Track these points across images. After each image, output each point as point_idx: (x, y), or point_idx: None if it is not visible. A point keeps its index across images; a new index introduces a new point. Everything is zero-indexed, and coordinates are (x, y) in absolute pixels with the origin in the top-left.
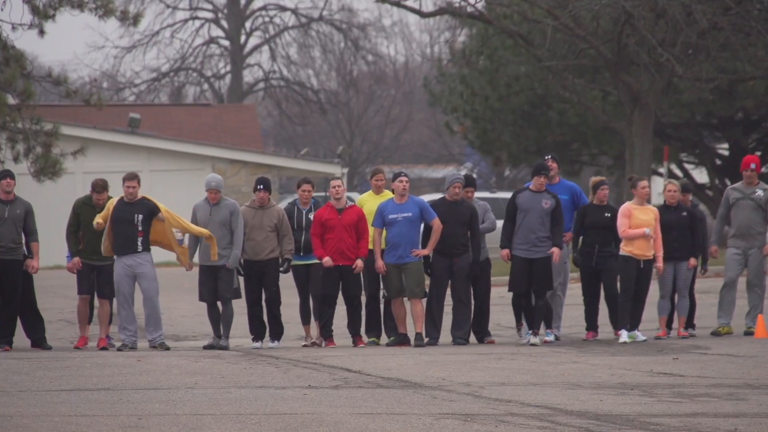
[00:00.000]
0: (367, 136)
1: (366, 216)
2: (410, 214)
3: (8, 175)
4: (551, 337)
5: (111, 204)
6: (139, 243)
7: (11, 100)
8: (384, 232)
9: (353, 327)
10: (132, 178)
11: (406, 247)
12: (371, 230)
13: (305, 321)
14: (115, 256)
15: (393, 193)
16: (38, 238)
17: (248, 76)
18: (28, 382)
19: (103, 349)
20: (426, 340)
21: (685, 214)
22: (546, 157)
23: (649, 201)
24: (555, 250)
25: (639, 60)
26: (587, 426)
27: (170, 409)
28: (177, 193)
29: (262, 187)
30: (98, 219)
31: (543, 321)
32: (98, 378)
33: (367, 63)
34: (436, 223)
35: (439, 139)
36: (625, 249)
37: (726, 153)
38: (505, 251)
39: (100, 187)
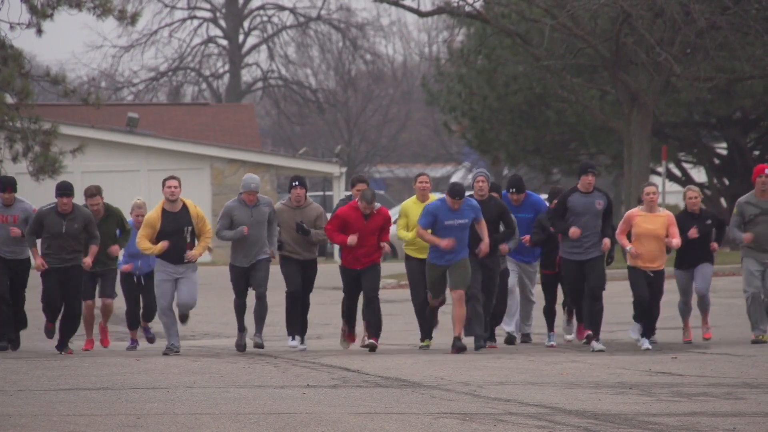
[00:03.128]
0: (365, 136)
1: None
2: (466, 221)
3: (66, 193)
4: (554, 341)
5: (156, 219)
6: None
7: (9, 99)
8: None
9: (372, 329)
10: (173, 177)
11: (457, 252)
12: (398, 229)
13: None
14: (156, 261)
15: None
16: (98, 242)
17: (246, 75)
18: (26, 382)
19: (95, 347)
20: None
21: (709, 222)
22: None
23: (659, 205)
24: (606, 240)
25: (637, 59)
26: (585, 425)
27: (169, 409)
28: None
29: (297, 183)
30: (146, 244)
31: (519, 323)
32: (96, 377)
33: (366, 62)
34: (483, 223)
35: (437, 139)
36: (631, 260)
37: (724, 152)
38: (573, 228)
39: (90, 192)
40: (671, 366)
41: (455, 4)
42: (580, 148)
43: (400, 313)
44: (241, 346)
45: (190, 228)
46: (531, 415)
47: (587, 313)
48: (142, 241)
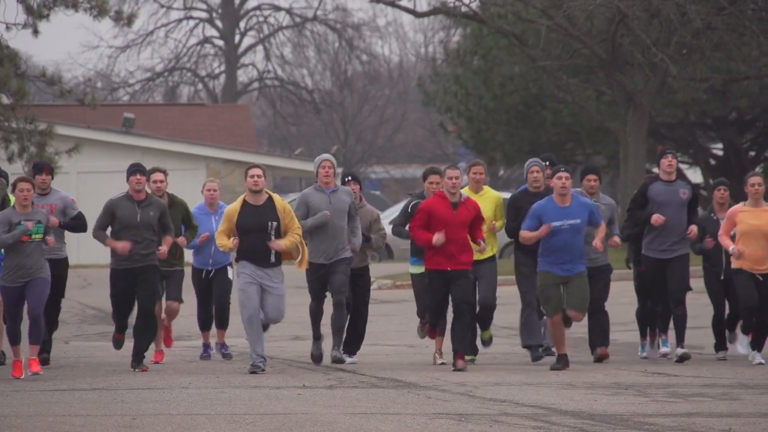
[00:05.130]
0: (361, 136)
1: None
2: (578, 221)
3: (140, 169)
4: (667, 348)
5: (233, 212)
6: (273, 255)
7: (5, 99)
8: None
9: (459, 342)
10: (256, 166)
11: (573, 260)
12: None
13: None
14: (234, 260)
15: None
16: (174, 233)
17: (242, 75)
18: (22, 382)
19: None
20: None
21: None
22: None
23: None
24: (693, 227)
25: (633, 60)
26: (581, 426)
27: (165, 409)
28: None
29: (350, 179)
30: (223, 240)
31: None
32: (92, 378)
33: (362, 63)
34: (603, 226)
35: (433, 139)
36: (735, 263)
37: (720, 153)
38: (655, 215)
39: (153, 169)
40: (667, 367)
41: (451, 5)
42: (577, 148)
43: (395, 313)
44: (317, 357)
45: (274, 224)
46: (527, 416)
47: (671, 319)
48: (220, 237)
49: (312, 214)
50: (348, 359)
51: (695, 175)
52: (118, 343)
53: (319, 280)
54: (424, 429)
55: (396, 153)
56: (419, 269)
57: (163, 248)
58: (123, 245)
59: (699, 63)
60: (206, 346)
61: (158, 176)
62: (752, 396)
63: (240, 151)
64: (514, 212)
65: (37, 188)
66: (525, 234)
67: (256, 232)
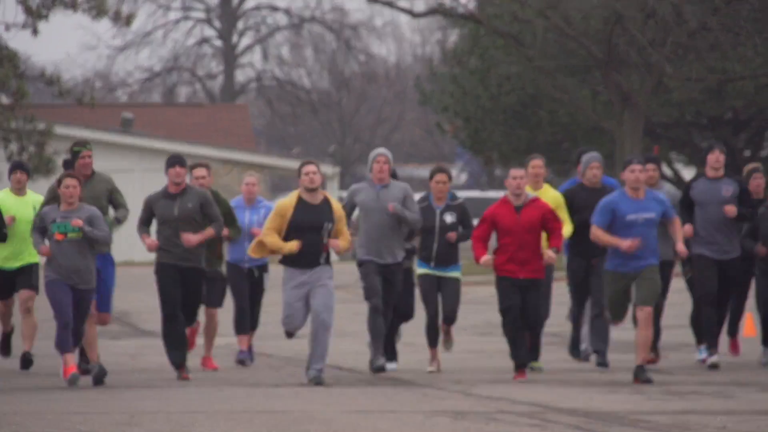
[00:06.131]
0: (358, 136)
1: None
2: (652, 215)
3: (179, 162)
4: (704, 354)
5: (287, 208)
6: (323, 258)
7: (5, 99)
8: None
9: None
10: (310, 162)
11: (644, 257)
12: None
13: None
14: (284, 268)
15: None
16: (221, 225)
17: (240, 75)
18: (22, 380)
19: (213, 370)
20: (589, 354)
21: None
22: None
23: None
24: (687, 226)
25: (629, 60)
26: (577, 423)
27: (163, 407)
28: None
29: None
30: (274, 239)
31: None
32: (91, 376)
33: (359, 63)
34: (677, 221)
35: (430, 139)
36: None
37: None
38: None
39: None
40: (662, 365)
41: (448, 5)
42: (573, 148)
43: None
44: (378, 367)
45: (330, 225)
46: (523, 414)
47: (711, 322)
48: (270, 235)
49: (359, 210)
50: (389, 365)
51: (691, 174)
52: (177, 336)
53: (376, 274)
54: (421, 426)
55: (393, 152)
56: (424, 270)
57: (193, 237)
58: (150, 242)
59: (694, 63)
60: (244, 352)
61: (200, 172)
62: (747, 394)
63: (238, 150)
64: (569, 207)
65: (13, 188)
66: (600, 234)
67: (310, 231)
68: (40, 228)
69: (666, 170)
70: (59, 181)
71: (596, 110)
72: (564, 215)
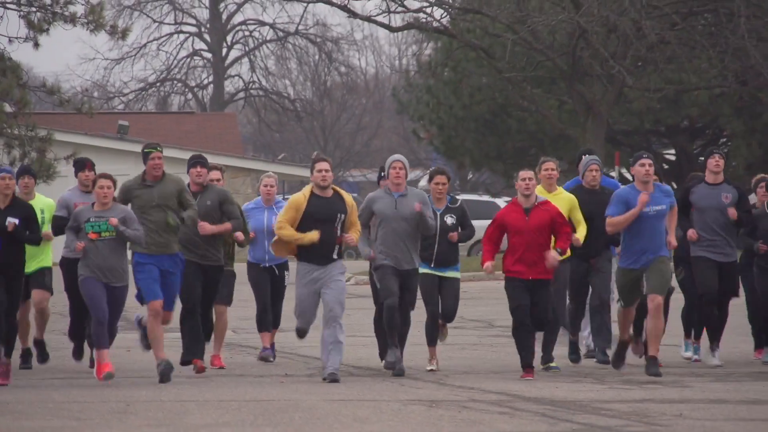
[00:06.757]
0: (339, 142)
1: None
2: (663, 207)
3: (201, 162)
4: (690, 352)
5: (301, 201)
6: (335, 252)
7: (8, 108)
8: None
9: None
10: (323, 159)
11: (655, 250)
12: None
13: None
14: (298, 263)
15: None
16: (240, 223)
17: (229, 86)
18: (23, 371)
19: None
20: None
21: None
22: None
23: None
24: (689, 231)
25: (592, 71)
26: (543, 411)
27: (156, 396)
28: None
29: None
30: (289, 230)
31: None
32: (91, 368)
33: (340, 74)
34: (675, 211)
35: (407, 145)
36: None
37: (673, 158)
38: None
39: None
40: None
41: (423, 21)
42: (540, 154)
43: (371, 307)
44: (398, 369)
45: (343, 216)
46: (493, 402)
47: (714, 320)
48: (285, 228)
49: (376, 218)
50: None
51: None
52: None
53: (394, 276)
54: (398, 414)
55: (372, 158)
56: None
57: (209, 226)
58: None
59: (653, 74)
60: (267, 348)
61: (214, 174)
62: (702, 383)
63: (227, 156)
64: None
65: (21, 192)
66: (616, 219)
67: (324, 222)
68: (74, 227)
69: (627, 175)
70: (93, 182)
71: (562, 119)
72: (579, 216)
